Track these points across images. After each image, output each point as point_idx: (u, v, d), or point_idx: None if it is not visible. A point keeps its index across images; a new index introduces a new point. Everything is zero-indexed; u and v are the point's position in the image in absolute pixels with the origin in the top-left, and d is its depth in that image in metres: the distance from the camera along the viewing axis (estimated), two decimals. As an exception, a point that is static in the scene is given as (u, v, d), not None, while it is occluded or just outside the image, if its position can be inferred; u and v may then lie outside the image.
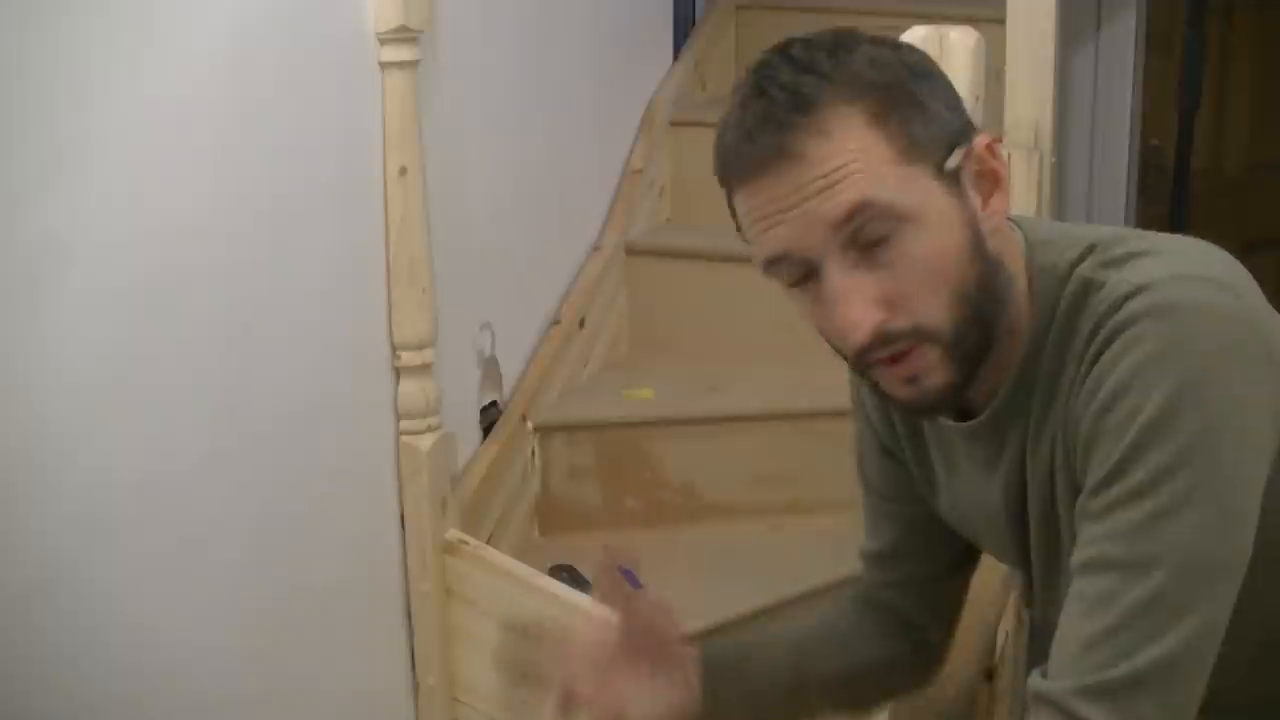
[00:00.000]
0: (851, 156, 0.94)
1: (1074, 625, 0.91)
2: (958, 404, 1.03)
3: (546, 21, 2.53)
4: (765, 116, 0.95)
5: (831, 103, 0.94)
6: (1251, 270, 1.03)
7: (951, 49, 1.58)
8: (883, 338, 0.96)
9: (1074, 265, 1.00)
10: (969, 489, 1.12)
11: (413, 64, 1.98)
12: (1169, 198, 3.02)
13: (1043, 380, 1.01)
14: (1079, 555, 0.92)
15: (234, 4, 1.73)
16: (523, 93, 2.46)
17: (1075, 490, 0.97)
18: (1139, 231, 1.04)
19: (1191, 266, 0.95)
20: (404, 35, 1.95)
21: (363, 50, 1.94)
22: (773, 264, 0.98)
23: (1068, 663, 0.90)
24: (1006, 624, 1.68)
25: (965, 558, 1.26)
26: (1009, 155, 1.66)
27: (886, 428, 1.20)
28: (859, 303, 0.95)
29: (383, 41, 1.95)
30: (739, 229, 1.01)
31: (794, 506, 2.47)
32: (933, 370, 0.98)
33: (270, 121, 1.79)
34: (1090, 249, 1.00)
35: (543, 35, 2.52)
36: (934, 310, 0.96)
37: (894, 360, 0.98)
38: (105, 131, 1.55)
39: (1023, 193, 1.65)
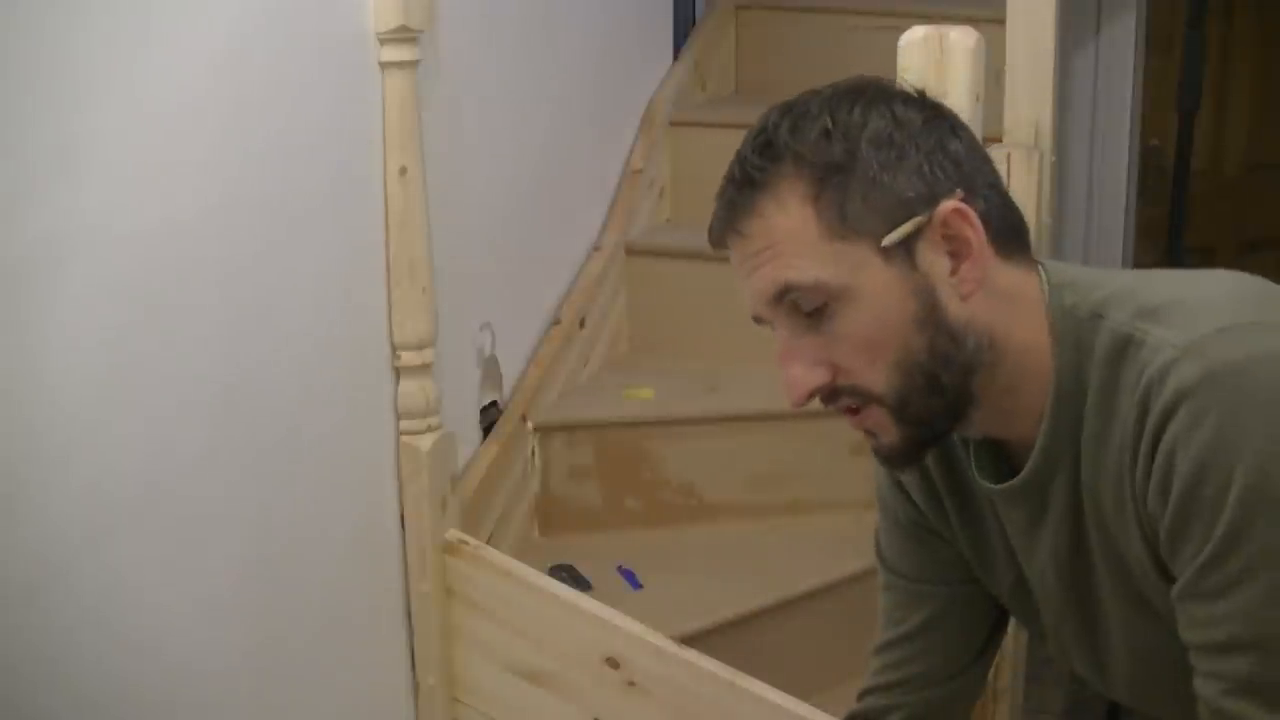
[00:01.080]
0: (780, 236, 1.00)
1: (1225, 704, 0.92)
2: (923, 458, 1.07)
3: (546, 21, 2.53)
4: (723, 191, 1.04)
5: (771, 183, 1.00)
6: (1251, 271, 1.02)
7: (951, 49, 1.58)
8: (831, 394, 1.02)
9: (1098, 314, 1.00)
10: (1020, 549, 1.12)
11: (413, 64, 1.98)
12: (1169, 198, 3.02)
13: (1088, 436, 1.01)
14: (1200, 634, 0.93)
15: (234, 3, 1.73)
16: (523, 93, 2.46)
17: (1155, 561, 0.97)
18: (1153, 273, 1.04)
19: (1233, 314, 0.94)
20: (404, 35, 1.95)
21: (363, 50, 1.94)
22: (755, 320, 1.07)
23: None
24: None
25: (985, 648, 1.25)
26: (1009, 155, 1.67)
27: (931, 502, 1.19)
28: (798, 365, 1.02)
29: (383, 41, 1.95)
30: None
31: (794, 506, 2.47)
32: (884, 429, 1.02)
33: (270, 121, 1.79)
34: (1111, 297, 1.00)
35: (543, 35, 2.52)
36: (874, 378, 1.00)
37: (850, 412, 1.03)
38: (105, 131, 1.55)
39: (1023, 193, 1.65)
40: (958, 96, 1.54)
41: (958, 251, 1.00)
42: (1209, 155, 3.38)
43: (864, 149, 0.99)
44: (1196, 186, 3.05)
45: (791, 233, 0.99)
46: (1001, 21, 1.70)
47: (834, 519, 2.39)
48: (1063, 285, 1.03)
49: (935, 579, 1.21)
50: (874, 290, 0.98)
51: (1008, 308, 1.01)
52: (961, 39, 1.58)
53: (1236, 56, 3.41)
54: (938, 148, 1.01)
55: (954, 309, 0.99)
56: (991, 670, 1.62)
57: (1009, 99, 1.70)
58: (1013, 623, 1.32)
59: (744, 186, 1.01)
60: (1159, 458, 0.93)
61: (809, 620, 2.25)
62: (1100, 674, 1.13)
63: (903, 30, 1.62)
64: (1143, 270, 1.07)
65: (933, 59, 1.58)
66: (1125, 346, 0.97)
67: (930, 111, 1.03)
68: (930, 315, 0.99)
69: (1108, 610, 1.07)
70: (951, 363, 0.99)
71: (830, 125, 0.99)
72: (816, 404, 1.04)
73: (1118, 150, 2.97)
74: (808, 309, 1.00)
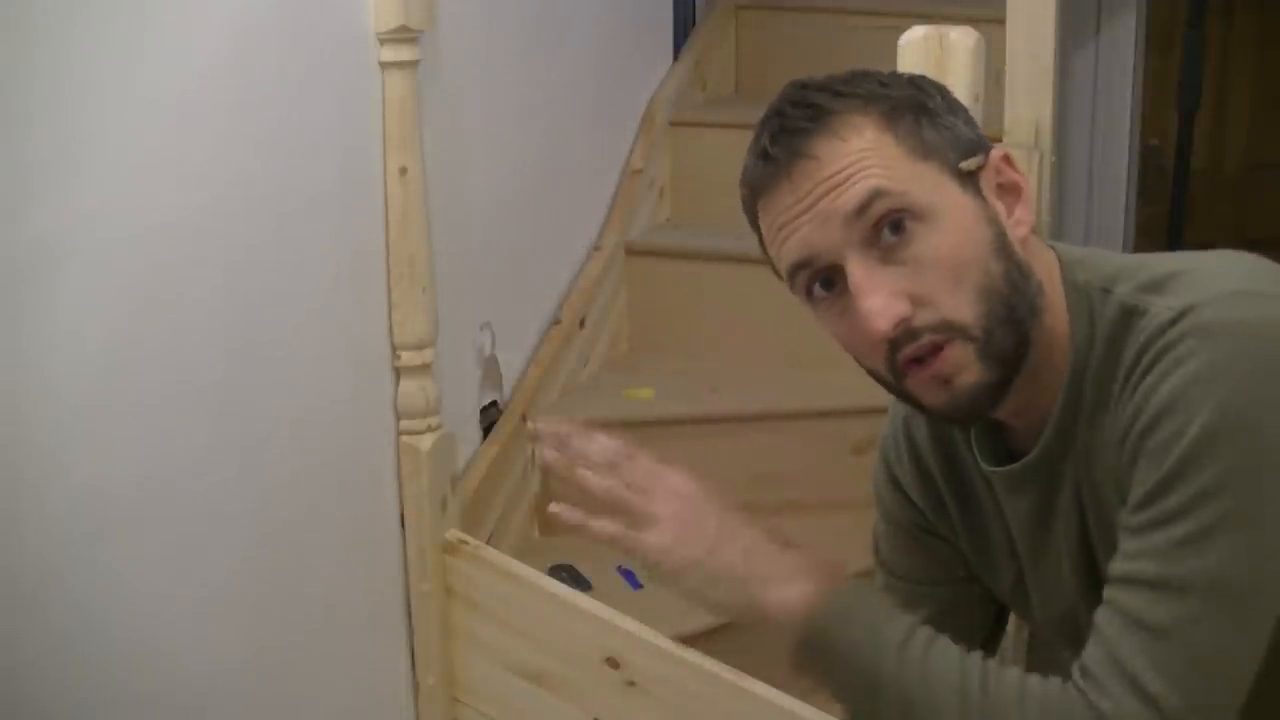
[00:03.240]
0: (862, 155, 0.97)
1: (1109, 634, 0.92)
2: (993, 408, 1.01)
3: (547, 21, 2.53)
4: (781, 129, 0.99)
5: (843, 112, 0.98)
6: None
7: (951, 49, 1.58)
8: (909, 333, 0.96)
9: (1107, 289, 1.00)
10: (1024, 542, 1.11)
11: (413, 64, 1.98)
12: (1169, 198, 3.02)
13: (1086, 412, 1.01)
14: (1116, 566, 0.93)
15: (234, 4, 1.73)
16: (523, 93, 2.46)
17: None
18: (1166, 253, 1.04)
19: (1236, 282, 0.94)
20: (404, 35, 1.95)
21: (363, 50, 1.94)
22: (795, 272, 1.00)
23: (1106, 675, 0.91)
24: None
25: (985, 647, 1.23)
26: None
27: (930, 501, 1.18)
28: (880, 294, 0.96)
29: (383, 41, 1.95)
30: (765, 252, 1.04)
31: (794, 506, 2.47)
32: (965, 367, 0.97)
33: (270, 121, 1.79)
34: (1120, 272, 1.01)
35: (543, 35, 2.52)
36: (960, 305, 0.96)
37: (923, 362, 0.98)
38: (105, 131, 1.55)
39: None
40: (958, 96, 1.54)
41: (1010, 195, 1.02)
42: (1209, 155, 3.38)
43: (919, 93, 1.01)
44: (1196, 186, 3.06)
45: (873, 151, 0.97)
46: (1001, 21, 1.70)
47: (834, 519, 2.39)
48: (1073, 262, 1.04)
49: (934, 580, 1.21)
50: (956, 211, 0.98)
51: (1041, 267, 1.02)
52: (961, 39, 1.58)
53: (1236, 56, 3.41)
54: (965, 109, 1.04)
55: (1017, 247, 1.00)
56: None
57: (1009, 99, 1.70)
58: (1013, 622, 1.31)
59: (815, 119, 0.98)
60: (1134, 402, 0.94)
61: (809, 620, 2.24)
62: None
63: (903, 30, 1.62)
64: (1141, 255, 1.07)
65: (933, 59, 1.58)
66: (1130, 318, 0.97)
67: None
68: (1003, 245, 0.99)
69: None
70: (1024, 296, 0.99)
71: (881, 80, 1.01)
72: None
73: (1118, 150, 2.97)
74: (889, 238, 0.96)
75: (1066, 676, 0.94)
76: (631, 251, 2.78)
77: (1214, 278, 0.95)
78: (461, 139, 2.22)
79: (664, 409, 2.52)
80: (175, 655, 1.69)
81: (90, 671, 1.57)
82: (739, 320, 2.63)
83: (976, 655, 0.96)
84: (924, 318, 0.96)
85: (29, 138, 1.46)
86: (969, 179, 0.99)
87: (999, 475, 1.08)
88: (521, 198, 2.46)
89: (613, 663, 1.87)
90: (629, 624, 1.88)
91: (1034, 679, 0.93)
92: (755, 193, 1.01)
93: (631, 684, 1.86)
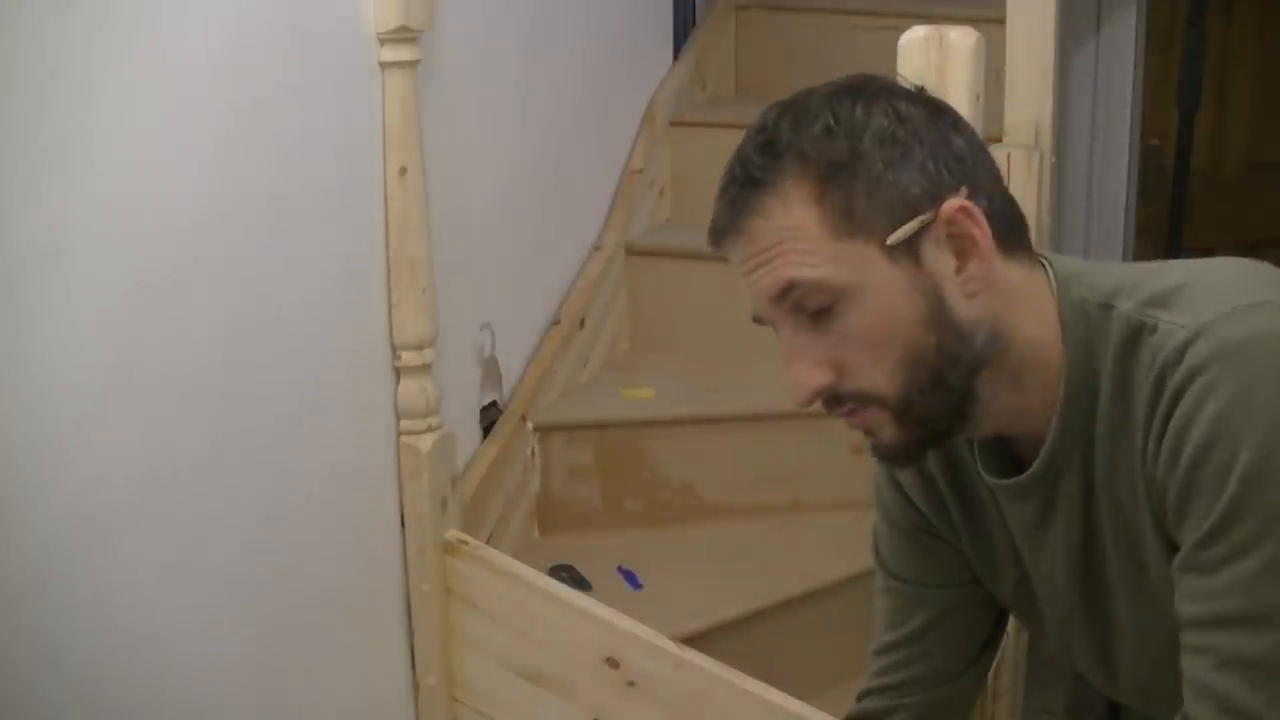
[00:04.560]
0: (784, 235, 0.98)
1: (1211, 680, 0.92)
2: (923, 456, 1.06)
3: (546, 21, 2.53)
4: (724, 190, 1.02)
5: (775, 182, 0.99)
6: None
7: (951, 49, 1.58)
8: (833, 399, 1.02)
9: (1107, 304, 1.00)
10: (1026, 547, 1.11)
11: (413, 64, 1.98)
12: (1169, 198, 3.02)
13: (1103, 430, 1.01)
14: (1196, 608, 0.93)
15: (234, 3, 1.73)
16: (523, 93, 2.46)
17: (1166, 543, 0.97)
18: (1159, 263, 1.04)
19: (1241, 295, 0.94)
20: (404, 35, 1.95)
21: (363, 50, 1.94)
22: (755, 320, 1.06)
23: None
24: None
25: (985, 648, 1.25)
26: (1009, 155, 1.67)
27: (932, 504, 1.18)
28: (803, 365, 1.01)
29: (383, 41, 1.95)
30: None
31: (794, 506, 2.47)
32: (883, 428, 1.02)
33: (270, 121, 1.79)
34: (1119, 287, 1.00)
35: (543, 35, 2.52)
36: (876, 378, 1.00)
37: (849, 413, 1.03)
38: (104, 131, 1.55)
39: (1023, 193, 1.65)
40: (958, 96, 1.54)
41: (964, 250, 0.99)
42: (1209, 155, 3.38)
43: (867, 146, 0.97)
44: (1196, 186, 3.05)
45: (796, 231, 0.98)
46: (1001, 21, 1.70)
47: (834, 519, 2.39)
48: (1070, 278, 1.03)
49: (935, 582, 1.21)
50: (880, 289, 0.97)
51: (1012, 304, 1.01)
52: (961, 39, 1.58)
53: (1237, 54, 3.41)
54: (941, 144, 0.99)
55: (961, 308, 0.98)
56: (991, 670, 1.62)
57: (1009, 99, 1.70)
58: (1013, 623, 1.31)
59: (746, 186, 0.99)
60: (1170, 434, 0.93)
61: (809, 620, 2.25)
62: (1105, 672, 1.12)
63: (903, 30, 1.62)
64: (1147, 262, 1.07)
65: (933, 59, 1.58)
66: (1138, 334, 0.97)
67: (932, 108, 1.02)
68: (937, 315, 0.98)
69: (1118, 606, 1.06)
70: (959, 362, 0.99)
71: (832, 123, 0.98)
72: (818, 404, 1.03)
73: (1118, 150, 2.97)
74: (812, 308, 0.99)
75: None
76: (631, 251, 2.77)
77: (1220, 290, 0.95)
78: (461, 139, 2.22)
79: (664, 409, 2.52)
80: (174, 655, 1.69)
81: (88, 671, 1.57)
82: (739, 320, 2.60)
83: None
84: (844, 387, 1.01)
85: (25, 137, 1.46)
86: (904, 246, 0.97)
87: (1001, 487, 1.08)
88: (521, 198, 2.46)
89: (613, 663, 1.87)
90: (629, 624, 1.88)
91: None
92: (714, 242, 1.05)
93: (631, 684, 1.86)
